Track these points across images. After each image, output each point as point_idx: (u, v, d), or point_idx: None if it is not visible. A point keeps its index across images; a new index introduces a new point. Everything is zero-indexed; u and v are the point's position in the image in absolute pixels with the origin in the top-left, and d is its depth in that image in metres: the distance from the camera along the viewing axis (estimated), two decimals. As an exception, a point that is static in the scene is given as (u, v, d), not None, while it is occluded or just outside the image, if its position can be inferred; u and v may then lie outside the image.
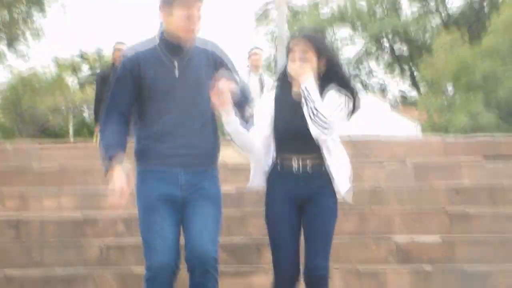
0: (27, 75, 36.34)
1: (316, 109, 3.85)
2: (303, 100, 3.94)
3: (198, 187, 3.87)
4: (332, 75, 4.10)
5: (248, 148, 4.06)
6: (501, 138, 7.68)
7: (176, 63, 3.81)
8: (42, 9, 22.24)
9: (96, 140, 9.58)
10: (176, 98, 3.83)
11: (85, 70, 44.60)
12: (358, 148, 7.57)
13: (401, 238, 6.25)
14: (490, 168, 7.09)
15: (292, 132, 4.00)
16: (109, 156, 3.64)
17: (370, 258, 6.02)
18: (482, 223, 6.32)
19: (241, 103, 3.95)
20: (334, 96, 4.02)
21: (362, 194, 6.73)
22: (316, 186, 4.03)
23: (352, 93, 4.10)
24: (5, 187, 7.25)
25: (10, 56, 22.58)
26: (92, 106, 13.87)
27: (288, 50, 4.10)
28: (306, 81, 3.92)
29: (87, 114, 39.81)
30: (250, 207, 6.40)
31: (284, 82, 4.17)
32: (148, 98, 3.84)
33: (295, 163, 4.03)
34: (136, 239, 6.16)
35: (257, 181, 4.23)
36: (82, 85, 41.54)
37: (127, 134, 3.84)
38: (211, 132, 4.02)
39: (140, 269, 5.33)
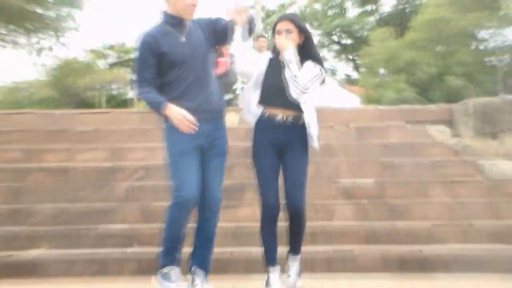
0: (70, 60, 36.12)
1: (295, 76, 3.85)
2: (285, 67, 3.92)
3: (215, 136, 3.97)
4: (308, 49, 4.12)
5: (249, 70, 4.11)
6: (418, 108, 7.75)
7: (182, 35, 3.80)
8: (80, 9, 21.73)
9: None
10: (190, 65, 3.79)
11: (112, 57, 44.23)
12: (316, 115, 7.58)
13: (346, 181, 6.40)
14: (410, 130, 7.16)
15: (277, 88, 3.96)
16: (160, 101, 3.73)
17: (323, 196, 6.10)
18: (404, 170, 6.41)
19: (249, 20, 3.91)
20: (311, 67, 4.04)
21: (314, 149, 6.81)
22: (294, 134, 4.06)
23: (322, 66, 4.12)
24: (55, 144, 7.26)
25: (56, 46, 22.18)
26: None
27: (274, 29, 4.06)
28: (288, 52, 3.90)
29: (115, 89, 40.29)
30: (235, 159, 6.39)
31: (275, 52, 4.09)
32: (168, 68, 3.77)
33: (279, 115, 4.01)
34: (153, 183, 6.22)
35: (247, 117, 4.25)
36: (110, 68, 41.44)
37: None
38: (218, 89, 4.06)
39: (157, 204, 5.86)
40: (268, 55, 4.23)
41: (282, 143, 4.06)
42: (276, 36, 4.03)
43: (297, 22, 4.05)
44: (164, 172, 6.55)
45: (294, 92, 3.87)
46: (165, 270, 3.90)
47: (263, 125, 4.07)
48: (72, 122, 7.84)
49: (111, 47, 47.42)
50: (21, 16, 19.42)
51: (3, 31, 20.79)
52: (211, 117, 3.88)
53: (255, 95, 4.05)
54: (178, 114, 3.65)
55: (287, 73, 3.88)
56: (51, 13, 21.03)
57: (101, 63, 45.12)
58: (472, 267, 4.88)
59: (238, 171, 6.60)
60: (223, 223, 5.75)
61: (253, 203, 6.03)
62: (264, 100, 4.06)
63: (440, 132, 7.25)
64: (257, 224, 5.67)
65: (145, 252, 5.29)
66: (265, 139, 4.08)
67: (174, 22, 3.78)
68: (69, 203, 6.23)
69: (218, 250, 5.26)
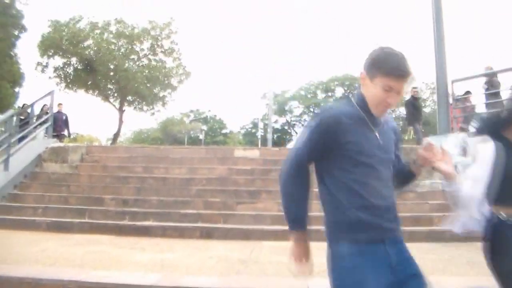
0: (170, 118, 37.09)
1: None
2: None
3: (404, 266, 1.38)
4: None
5: (466, 204, 1.50)
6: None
7: (376, 131, 1.45)
8: (175, 91, 21.96)
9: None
10: (379, 167, 1.43)
11: (192, 116, 44.96)
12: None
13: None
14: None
15: None
16: (297, 227, 1.44)
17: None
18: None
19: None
20: None
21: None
22: None
23: None
24: (159, 164, 7.32)
25: (163, 110, 22.58)
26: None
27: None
28: None
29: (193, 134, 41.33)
30: (257, 176, 6.34)
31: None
32: (348, 162, 1.39)
33: None
34: (210, 187, 6.06)
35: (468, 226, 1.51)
36: (190, 122, 42.21)
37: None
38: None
39: (213, 200, 5.71)
40: (487, 143, 1.64)
41: None
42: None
43: None
44: (218, 182, 6.57)
45: None
46: None
47: (506, 228, 1.56)
48: (169, 152, 7.84)
49: (191, 111, 48.45)
50: (145, 94, 19.94)
51: (136, 103, 21.25)
52: (399, 236, 1.44)
53: (480, 191, 1.51)
54: (300, 252, 1.44)
55: None
56: (161, 93, 21.42)
57: (186, 119, 46.07)
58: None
59: (258, 182, 6.52)
60: (248, 211, 5.75)
61: (264, 201, 5.95)
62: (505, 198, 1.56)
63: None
64: (268, 213, 5.49)
65: (205, 226, 5.29)
66: None
67: (367, 109, 1.45)
68: (166, 197, 6.18)
69: (245, 227, 5.24)
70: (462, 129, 7.52)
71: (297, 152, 1.45)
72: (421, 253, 4.16)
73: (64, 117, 10.81)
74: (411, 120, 10.06)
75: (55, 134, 9.26)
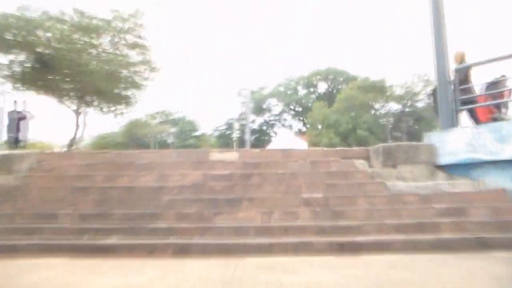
0: (135, 120, 36.71)
1: None
2: None
3: None
4: None
5: None
6: (348, 149, 7.50)
7: None
8: (140, 90, 21.47)
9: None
10: None
11: (159, 118, 44.82)
12: (285, 154, 7.30)
13: (305, 195, 6.00)
14: (344, 162, 6.87)
15: None
16: None
17: (291, 205, 5.74)
18: (341, 188, 6.13)
19: None
20: None
21: (284, 175, 6.47)
22: None
23: None
24: (123, 171, 6.92)
25: (126, 111, 21.99)
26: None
27: None
28: None
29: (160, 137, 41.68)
30: (236, 181, 6.13)
31: None
32: None
33: None
34: (183, 196, 5.83)
35: None
36: (157, 125, 42.21)
37: None
38: None
39: (186, 211, 5.14)
40: None
41: None
42: None
43: None
44: (192, 189, 6.33)
45: None
46: None
47: None
48: (134, 158, 7.51)
49: (158, 112, 47.95)
50: (106, 94, 19.23)
51: (95, 104, 20.59)
52: None
53: None
54: None
55: None
56: (124, 93, 20.88)
57: (153, 122, 45.52)
58: (385, 250, 4.63)
59: (238, 189, 6.30)
60: (228, 222, 5.53)
61: (246, 210, 5.77)
62: None
63: (361, 164, 7.02)
64: (250, 224, 5.29)
65: (179, 242, 5.04)
66: None
67: None
68: (132, 210, 5.89)
69: (224, 242, 4.99)
70: (495, 119, 7.31)
71: None
72: (432, 267, 3.96)
73: (21, 118, 9.99)
74: None
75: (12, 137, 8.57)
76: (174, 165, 7.17)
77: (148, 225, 5.44)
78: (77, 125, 19.61)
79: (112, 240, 5.12)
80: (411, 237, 4.88)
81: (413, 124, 40.21)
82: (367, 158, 7.25)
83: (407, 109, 40.36)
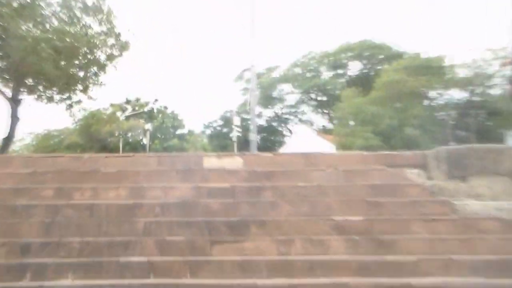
0: (95, 111, 37.15)
1: None
2: None
3: None
4: None
5: None
6: (395, 153, 7.46)
7: None
8: (104, 71, 21.59)
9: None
10: None
11: (129, 110, 45.41)
12: (308, 160, 7.28)
13: (338, 218, 5.97)
14: (391, 172, 6.84)
15: None
16: None
17: (318, 232, 5.72)
18: (388, 208, 6.09)
19: None
20: None
21: (308, 190, 6.50)
22: None
23: None
24: (82, 183, 6.90)
25: (84, 99, 22.17)
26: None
27: None
28: None
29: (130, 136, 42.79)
30: (241, 198, 6.13)
31: None
32: None
33: None
34: (167, 219, 5.87)
35: None
36: (127, 119, 42.75)
37: None
38: None
39: (171, 239, 5.65)
40: None
41: None
42: None
43: None
44: (179, 209, 6.33)
45: None
46: None
47: None
48: (98, 164, 7.51)
49: (128, 102, 48.17)
50: (51, 75, 19.20)
51: (40, 89, 20.64)
52: None
53: None
54: None
55: None
56: (81, 73, 20.98)
57: (120, 114, 45.79)
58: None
59: (243, 209, 6.29)
60: (230, 255, 5.50)
61: (256, 238, 5.75)
62: None
63: (416, 175, 6.99)
64: (262, 257, 5.31)
65: (161, 283, 5.06)
66: None
67: None
68: (95, 237, 5.89)
69: (226, 282, 4.99)
70: None
71: None
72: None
73: None
74: None
75: None
76: (154, 175, 7.16)
77: (118, 258, 5.42)
78: (15, 118, 19.70)
79: (67, 281, 5.11)
80: (491, 281, 4.85)
81: (486, 120, 39.77)
82: (423, 166, 7.22)
83: (476, 99, 39.92)
